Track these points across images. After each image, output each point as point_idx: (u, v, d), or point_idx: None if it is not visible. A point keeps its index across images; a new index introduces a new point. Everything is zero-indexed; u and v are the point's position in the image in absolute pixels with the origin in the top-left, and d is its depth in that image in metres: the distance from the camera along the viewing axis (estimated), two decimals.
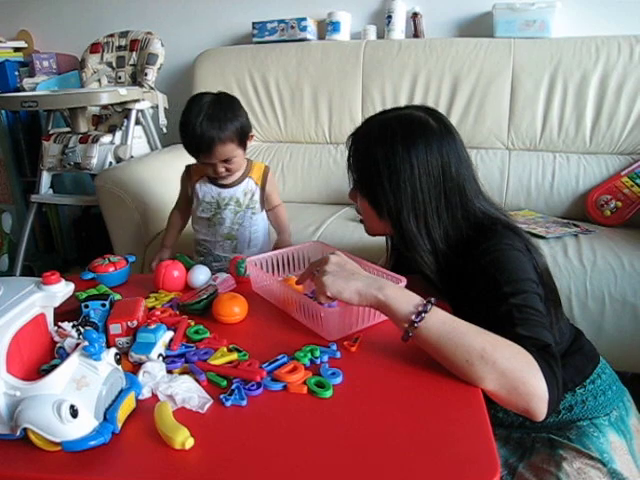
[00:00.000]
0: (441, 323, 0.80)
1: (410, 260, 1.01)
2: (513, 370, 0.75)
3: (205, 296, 1.04)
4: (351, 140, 1.07)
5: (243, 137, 1.44)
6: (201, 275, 1.17)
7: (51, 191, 2.54)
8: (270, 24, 2.55)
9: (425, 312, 0.80)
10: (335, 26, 2.50)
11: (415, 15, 2.45)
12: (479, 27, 2.41)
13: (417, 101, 2.30)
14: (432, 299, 0.82)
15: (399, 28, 2.45)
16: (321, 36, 2.60)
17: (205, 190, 1.53)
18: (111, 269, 1.19)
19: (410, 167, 0.96)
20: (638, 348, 1.63)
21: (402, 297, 0.84)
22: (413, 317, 0.80)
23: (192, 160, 1.49)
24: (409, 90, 2.33)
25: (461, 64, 2.26)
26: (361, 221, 1.14)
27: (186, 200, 1.58)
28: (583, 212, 2.10)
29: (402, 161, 0.96)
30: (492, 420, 0.87)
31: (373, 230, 1.12)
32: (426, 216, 0.97)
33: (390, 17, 2.44)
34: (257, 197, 1.54)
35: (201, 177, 1.53)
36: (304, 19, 2.50)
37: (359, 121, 2.38)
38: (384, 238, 1.22)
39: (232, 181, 1.52)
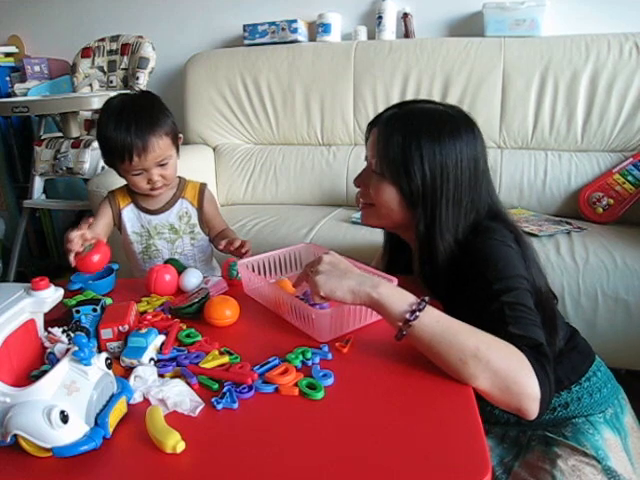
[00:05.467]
0: (435, 322, 0.80)
1: (402, 261, 1.01)
2: (506, 369, 0.75)
3: (197, 299, 1.04)
4: (379, 124, 1.04)
5: (175, 134, 1.32)
6: (193, 278, 1.16)
7: (44, 196, 2.54)
8: (261, 26, 2.56)
9: (419, 310, 0.80)
10: (326, 27, 2.51)
11: (405, 15, 2.46)
12: (469, 26, 2.42)
13: None
14: (426, 298, 0.82)
15: (390, 29, 2.46)
16: (312, 38, 2.61)
17: (133, 219, 1.36)
18: (95, 257, 1.14)
19: (455, 158, 0.97)
20: (631, 344, 1.64)
21: (396, 295, 0.83)
22: (407, 315, 0.80)
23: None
24: (400, 90, 2.34)
25: (452, 64, 2.27)
26: (367, 204, 1.09)
27: (104, 227, 1.36)
28: (575, 210, 2.10)
29: (448, 152, 0.97)
30: (488, 418, 0.87)
31: (380, 218, 1.08)
32: (460, 207, 0.99)
33: (380, 18, 2.45)
34: (195, 220, 1.39)
35: (127, 204, 1.36)
36: (295, 21, 2.51)
37: (351, 122, 2.45)
38: (376, 239, 1.22)
39: (162, 205, 1.36)
